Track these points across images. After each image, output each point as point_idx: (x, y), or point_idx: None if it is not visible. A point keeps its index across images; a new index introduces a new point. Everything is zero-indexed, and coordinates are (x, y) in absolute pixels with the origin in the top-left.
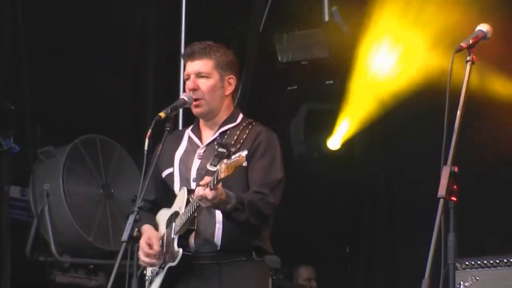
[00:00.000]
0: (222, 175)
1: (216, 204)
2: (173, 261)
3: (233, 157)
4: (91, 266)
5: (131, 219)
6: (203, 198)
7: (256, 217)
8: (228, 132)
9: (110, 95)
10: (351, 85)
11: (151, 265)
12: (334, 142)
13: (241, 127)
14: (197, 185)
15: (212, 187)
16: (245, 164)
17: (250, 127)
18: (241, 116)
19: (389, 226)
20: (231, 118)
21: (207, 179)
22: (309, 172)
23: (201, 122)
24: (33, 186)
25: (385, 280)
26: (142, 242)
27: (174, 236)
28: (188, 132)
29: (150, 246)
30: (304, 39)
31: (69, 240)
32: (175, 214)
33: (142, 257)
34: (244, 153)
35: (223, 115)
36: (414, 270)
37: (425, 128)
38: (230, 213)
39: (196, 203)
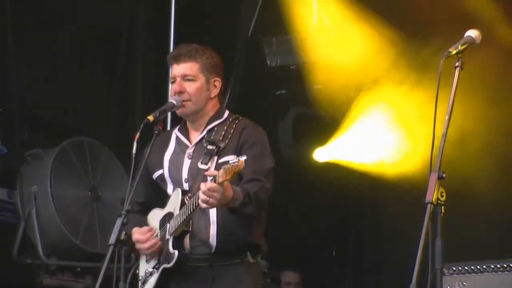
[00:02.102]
0: (220, 179)
1: (224, 201)
2: (168, 263)
3: (231, 162)
4: (78, 269)
5: (118, 222)
6: (211, 190)
7: (259, 207)
8: (215, 128)
9: (98, 98)
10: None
11: (154, 249)
12: (321, 154)
13: (228, 122)
14: (189, 185)
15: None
16: (237, 159)
17: (236, 121)
18: (227, 112)
19: (377, 229)
20: (217, 115)
21: (213, 172)
22: (297, 176)
23: (188, 122)
24: (21, 188)
25: (372, 284)
26: (136, 236)
27: (169, 237)
28: (176, 132)
29: (143, 233)
30: (293, 44)
31: (56, 242)
32: (169, 215)
33: (142, 245)
34: (243, 158)
35: (209, 116)
36: (401, 274)
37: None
38: (238, 208)
39: (196, 203)
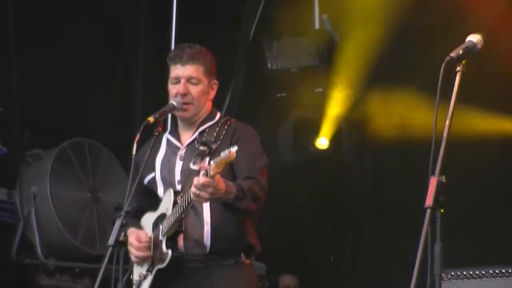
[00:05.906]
0: (212, 172)
1: (217, 194)
2: (162, 263)
3: (222, 153)
4: (77, 270)
5: (117, 223)
6: (204, 186)
7: (254, 202)
8: (207, 130)
9: (99, 99)
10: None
11: (143, 259)
12: (322, 142)
13: (220, 124)
14: (182, 187)
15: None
16: (228, 150)
17: (228, 123)
18: (218, 114)
19: (375, 234)
20: (209, 117)
21: (205, 166)
22: (296, 178)
23: (180, 124)
24: (20, 189)
25: None
26: (131, 240)
27: (162, 238)
28: (166, 135)
29: (138, 240)
30: (294, 47)
31: (55, 243)
32: (162, 216)
33: (134, 252)
34: (234, 148)
35: (202, 117)
36: (400, 279)
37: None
38: (232, 202)
39: (188, 200)
